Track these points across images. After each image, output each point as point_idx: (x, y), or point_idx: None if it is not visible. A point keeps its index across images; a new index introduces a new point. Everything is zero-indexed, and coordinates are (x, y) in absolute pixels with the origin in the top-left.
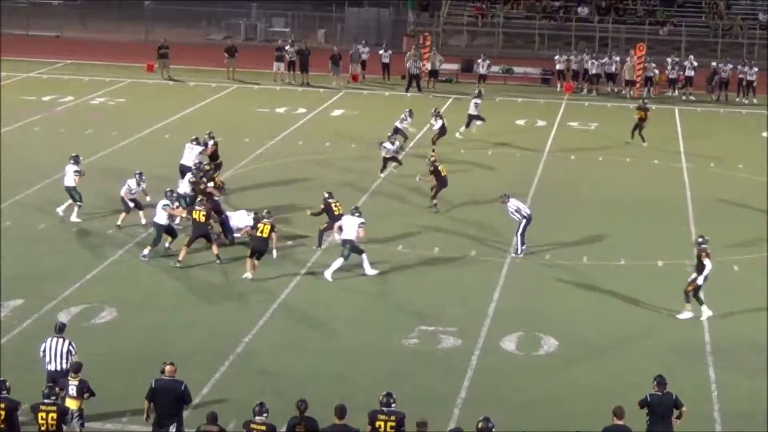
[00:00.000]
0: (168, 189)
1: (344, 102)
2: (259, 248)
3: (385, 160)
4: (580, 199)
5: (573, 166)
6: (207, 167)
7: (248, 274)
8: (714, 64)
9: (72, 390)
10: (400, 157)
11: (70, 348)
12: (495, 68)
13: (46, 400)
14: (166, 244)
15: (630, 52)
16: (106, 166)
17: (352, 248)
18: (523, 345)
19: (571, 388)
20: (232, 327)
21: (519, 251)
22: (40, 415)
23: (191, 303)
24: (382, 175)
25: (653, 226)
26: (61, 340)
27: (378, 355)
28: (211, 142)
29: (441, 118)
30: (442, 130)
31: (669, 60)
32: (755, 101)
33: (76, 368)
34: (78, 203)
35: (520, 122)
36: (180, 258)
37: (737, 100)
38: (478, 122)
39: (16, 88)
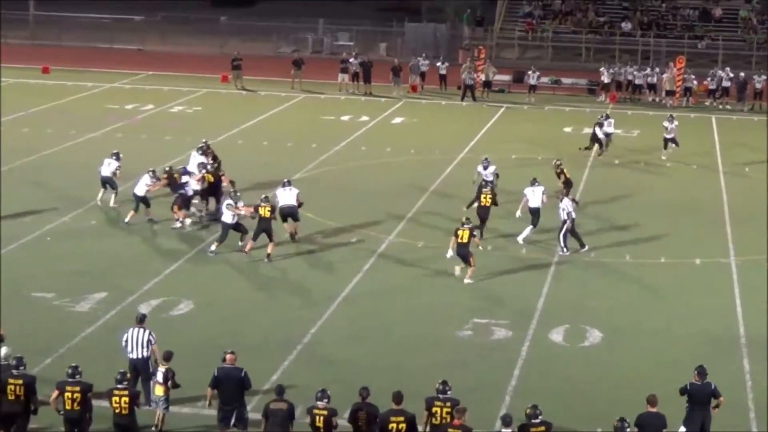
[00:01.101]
0: (231, 190)
1: (404, 110)
2: (462, 254)
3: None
4: (623, 202)
5: (617, 170)
6: (210, 166)
7: (457, 270)
8: (742, 74)
9: (159, 376)
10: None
11: (150, 338)
12: (544, 79)
13: (118, 385)
14: (239, 243)
15: (670, 65)
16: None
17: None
18: (570, 337)
19: (614, 377)
20: (298, 319)
21: (565, 250)
22: (113, 399)
23: (261, 297)
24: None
25: (691, 227)
26: (141, 330)
27: (434, 345)
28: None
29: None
30: (597, 139)
31: (710, 72)
32: None
33: (167, 356)
34: (114, 191)
35: (568, 129)
36: (246, 249)
37: None
38: (673, 145)
39: (101, 98)
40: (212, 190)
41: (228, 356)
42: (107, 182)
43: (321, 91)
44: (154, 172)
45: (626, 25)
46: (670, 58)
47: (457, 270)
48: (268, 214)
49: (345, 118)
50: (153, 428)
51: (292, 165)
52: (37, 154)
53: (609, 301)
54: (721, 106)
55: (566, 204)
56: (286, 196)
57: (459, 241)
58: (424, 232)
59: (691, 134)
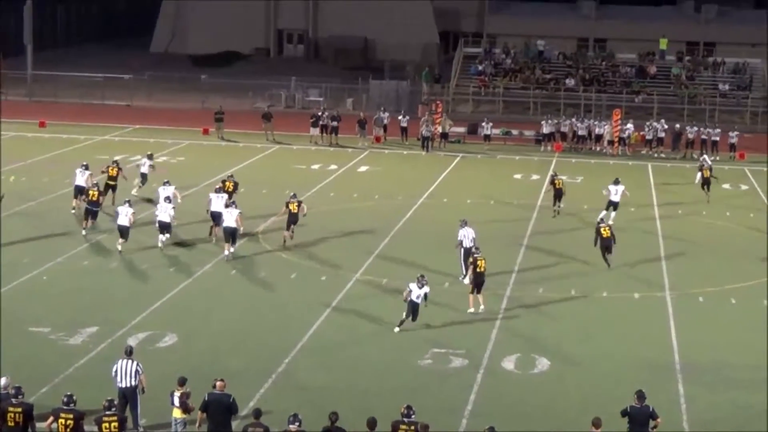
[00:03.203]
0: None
1: (369, 160)
2: (480, 282)
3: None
4: (568, 240)
5: (562, 212)
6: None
7: (471, 309)
8: (678, 126)
9: (176, 400)
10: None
11: (138, 368)
12: (496, 131)
13: (107, 412)
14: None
15: (611, 120)
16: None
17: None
18: (521, 365)
19: (561, 401)
20: (275, 348)
21: (462, 277)
22: (103, 425)
23: (239, 329)
24: None
25: (630, 263)
26: (130, 361)
27: (398, 373)
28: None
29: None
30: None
31: (646, 124)
32: (717, 158)
33: (182, 381)
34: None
35: (518, 176)
36: (285, 237)
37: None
38: None
39: (93, 149)
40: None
41: (218, 383)
42: (81, 191)
43: (293, 143)
44: (129, 202)
45: (570, 82)
46: (610, 111)
47: (471, 310)
48: (296, 209)
49: (315, 166)
50: None
51: (267, 210)
52: (35, 201)
53: (556, 331)
54: (656, 155)
55: (461, 233)
56: (218, 203)
57: (478, 270)
58: (389, 270)
59: (629, 180)
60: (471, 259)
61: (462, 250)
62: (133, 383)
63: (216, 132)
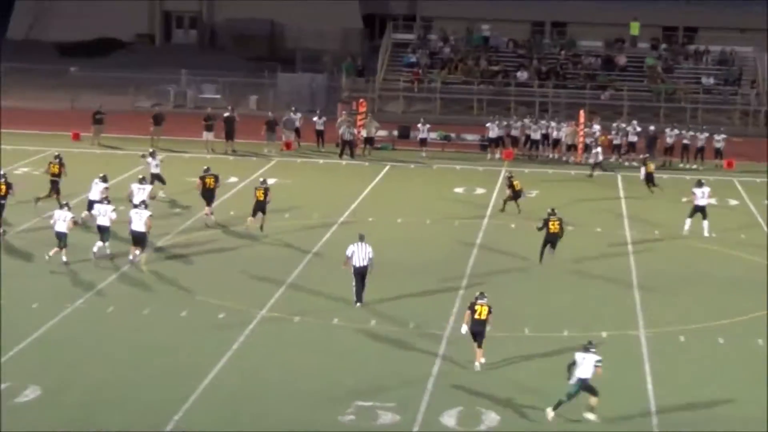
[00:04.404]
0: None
1: (277, 170)
2: (478, 331)
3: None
4: (520, 269)
5: (513, 234)
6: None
7: (477, 364)
8: (652, 128)
9: None
10: None
11: None
12: (433, 134)
13: None
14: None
15: (571, 121)
16: (34, 237)
17: None
18: (464, 420)
19: None
20: (162, 403)
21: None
22: None
23: (120, 379)
24: None
25: (597, 296)
26: None
27: None
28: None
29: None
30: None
31: (614, 125)
32: (702, 167)
33: None
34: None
35: (459, 190)
36: (248, 224)
37: (680, 165)
38: None
39: None
40: (210, 194)
41: None
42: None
43: (185, 150)
44: (68, 205)
45: (522, 75)
46: (571, 110)
47: (477, 365)
48: (262, 197)
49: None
50: None
51: (151, 233)
52: None
53: (507, 380)
54: (626, 163)
55: (351, 248)
56: (139, 195)
57: (476, 317)
58: (301, 305)
59: (593, 194)
60: (469, 304)
61: (352, 268)
62: None
63: (92, 137)
